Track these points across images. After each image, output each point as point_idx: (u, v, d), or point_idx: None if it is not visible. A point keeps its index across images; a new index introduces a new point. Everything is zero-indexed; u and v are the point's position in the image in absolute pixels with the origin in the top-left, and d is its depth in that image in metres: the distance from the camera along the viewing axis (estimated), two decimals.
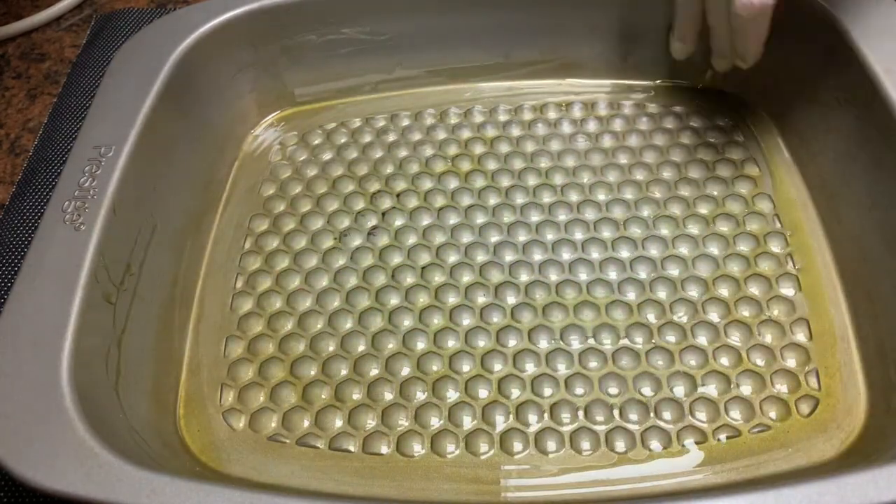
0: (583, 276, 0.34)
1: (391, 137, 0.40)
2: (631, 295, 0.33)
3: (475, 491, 0.28)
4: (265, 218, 0.37)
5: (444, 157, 0.39)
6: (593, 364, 0.31)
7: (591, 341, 0.32)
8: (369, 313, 0.33)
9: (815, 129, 0.36)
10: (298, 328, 0.33)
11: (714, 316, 0.32)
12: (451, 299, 0.34)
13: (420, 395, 0.31)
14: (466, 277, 0.34)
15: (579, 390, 0.31)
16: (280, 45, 0.39)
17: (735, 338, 0.32)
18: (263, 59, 0.39)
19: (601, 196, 0.37)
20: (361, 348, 0.32)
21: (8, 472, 0.23)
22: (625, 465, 0.29)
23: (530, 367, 0.31)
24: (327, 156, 0.40)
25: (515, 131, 0.40)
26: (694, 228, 0.35)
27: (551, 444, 0.29)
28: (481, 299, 0.34)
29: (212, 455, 0.30)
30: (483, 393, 0.31)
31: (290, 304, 0.34)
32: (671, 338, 0.32)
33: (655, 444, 0.29)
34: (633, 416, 0.30)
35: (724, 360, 0.31)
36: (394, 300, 0.34)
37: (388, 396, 0.31)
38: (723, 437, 0.29)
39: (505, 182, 0.38)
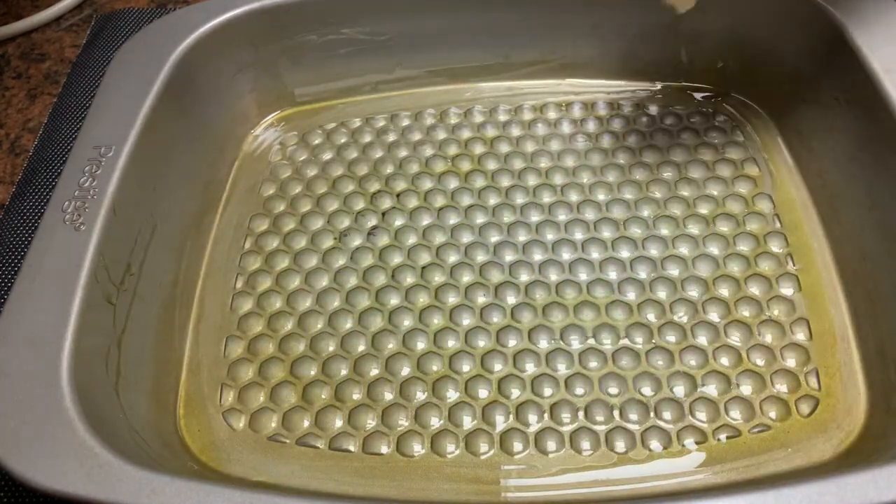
0: (583, 276, 0.34)
1: (391, 137, 0.40)
2: (631, 295, 0.33)
3: (475, 491, 0.28)
4: (265, 218, 0.37)
5: (444, 157, 0.39)
6: (593, 364, 0.31)
7: (591, 341, 0.32)
8: (369, 313, 0.33)
9: (815, 129, 0.36)
10: (298, 328, 0.33)
11: (714, 316, 0.32)
12: (451, 299, 0.34)
13: (420, 395, 0.31)
14: (466, 277, 0.34)
15: (579, 390, 0.31)
16: (280, 45, 0.39)
17: (735, 338, 0.32)
18: (263, 59, 0.39)
19: (601, 196, 0.37)
20: (361, 348, 0.32)
21: (8, 472, 0.23)
22: (625, 465, 0.29)
23: (530, 367, 0.31)
24: (327, 156, 0.40)
25: (515, 131, 0.40)
26: (694, 228, 0.35)
27: (551, 444, 0.29)
28: (481, 299, 0.34)
29: (212, 455, 0.30)
30: (483, 393, 0.31)
31: (290, 304, 0.34)
32: (671, 338, 0.32)
33: (655, 445, 0.29)
34: (633, 416, 0.30)
35: (724, 360, 0.31)
36: (394, 300, 0.34)
37: (388, 396, 0.31)
38: (723, 437, 0.29)
39: (505, 182, 0.38)
